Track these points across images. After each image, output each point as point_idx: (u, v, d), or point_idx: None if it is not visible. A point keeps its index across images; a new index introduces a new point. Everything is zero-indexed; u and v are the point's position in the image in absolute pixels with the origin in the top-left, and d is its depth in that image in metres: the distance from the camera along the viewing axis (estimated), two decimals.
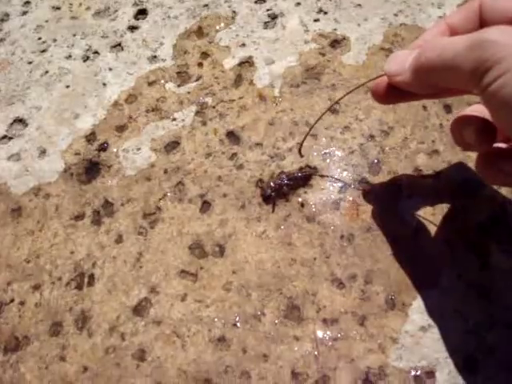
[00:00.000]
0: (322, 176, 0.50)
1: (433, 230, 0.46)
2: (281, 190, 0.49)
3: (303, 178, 0.49)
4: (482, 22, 0.37)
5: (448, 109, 0.52)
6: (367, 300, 0.44)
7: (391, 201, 0.48)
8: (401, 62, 0.37)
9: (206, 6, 0.63)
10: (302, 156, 0.49)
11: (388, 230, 0.47)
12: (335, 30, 0.59)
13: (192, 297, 0.46)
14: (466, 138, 0.37)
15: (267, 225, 0.48)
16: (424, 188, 0.48)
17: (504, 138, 0.40)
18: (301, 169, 0.50)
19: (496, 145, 0.39)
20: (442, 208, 0.47)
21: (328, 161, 0.51)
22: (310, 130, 0.48)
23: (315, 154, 0.51)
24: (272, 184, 0.49)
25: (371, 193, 0.49)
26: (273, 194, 0.49)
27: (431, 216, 0.47)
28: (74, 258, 0.49)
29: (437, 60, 0.34)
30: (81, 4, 0.67)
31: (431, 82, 0.36)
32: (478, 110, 0.39)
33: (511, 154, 0.37)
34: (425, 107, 0.52)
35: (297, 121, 0.53)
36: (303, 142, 0.48)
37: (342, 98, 0.47)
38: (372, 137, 0.51)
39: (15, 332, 0.46)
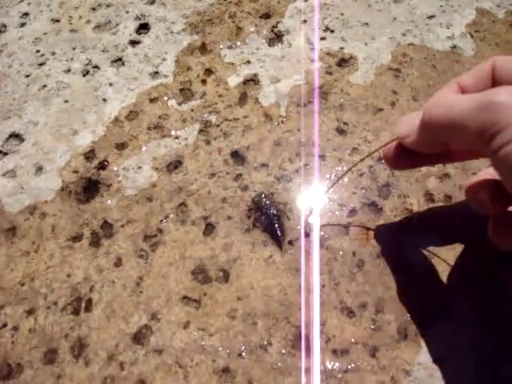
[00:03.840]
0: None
1: (446, 257, 0.44)
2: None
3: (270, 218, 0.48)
4: (495, 84, 0.37)
5: None
6: (378, 330, 0.42)
7: (402, 227, 0.46)
8: (411, 124, 0.37)
9: (210, 21, 0.62)
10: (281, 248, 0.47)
11: (399, 258, 0.45)
12: (342, 48, 0.58)
13: (195, 325, 0.44)
14: (480, 200, 0.37)
15: (273, 249, 0.46)
16: (435, 213, 0.47)
17: None
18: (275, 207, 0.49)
19: (510, 208, 0.38)
20: (455, 235, 0.45)
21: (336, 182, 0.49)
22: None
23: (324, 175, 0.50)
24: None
25: (381, 220, 0.47)
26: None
27: (444, 243, 0.45)
28: (70, 282, 0.47)
29: (443, 118, 0.33)
30: (81, 17, 0.65)
31: (438, 140, 0.35)
32: (493, 172, 0.38)
33: None
34: None
35: (304, 141, 0.52)
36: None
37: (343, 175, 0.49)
38: (381, 159, 0.50)
39: (8, 359, 0.44)
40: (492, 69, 0.37)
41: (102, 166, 0.52)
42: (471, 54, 0.57)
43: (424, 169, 0.49)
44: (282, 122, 0.53)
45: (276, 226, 0.47)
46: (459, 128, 0.32)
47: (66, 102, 0.57)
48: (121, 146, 0.53)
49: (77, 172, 0.52)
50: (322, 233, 0.47)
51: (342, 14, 0.61)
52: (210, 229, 0.48)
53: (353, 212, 0.48)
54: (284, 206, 0.48)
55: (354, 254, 0.45)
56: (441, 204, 0.47)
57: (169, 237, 0.48)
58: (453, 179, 0.48)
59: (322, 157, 0.50)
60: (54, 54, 0.62)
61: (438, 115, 0.33)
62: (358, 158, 0.50)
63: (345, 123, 0.53)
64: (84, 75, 0.59)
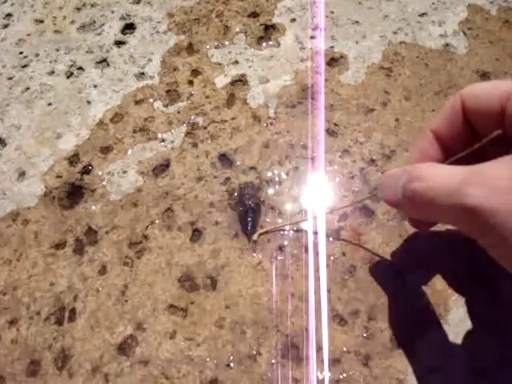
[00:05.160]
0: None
1: (440, 261, 0.43)
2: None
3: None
4: (467, 120, 0.36)
5: None
6: (371, 338, 0.41)
7: (395, 229, 0.45)
8: (394, 189, 0.35)
9: (197, 20, 0.61)
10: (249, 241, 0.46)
11: (391, 262, 0.44)
12: (332, 47, 0.57)
13: (182, 334, 0.42)
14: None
15: (263, 255, 0.45)
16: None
17: None
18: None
19: None
20: (448, 240, 0.44)
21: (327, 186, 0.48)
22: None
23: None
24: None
25: (373, 224, 0.46)
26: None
27: (438, 246, 0.44)
28: (54, 291, 0.45)
29: (422, 205, 0.32)
30: (65, 17, 0.63)
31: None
32: None
33: None
34: None
35: (293, 143, 0.50)
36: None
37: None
38: (373, 161, 0.49)
39: None
40: (461, 105, 0.35)
41: (86, 170, 0.51)
42: (464, 52, 0.56)
43: None
44: (271, 124, 0.52)
45: (249, 219, 0.45)
46: (439, 217, 0.34)
47: (50, 104, 0.56)
48: (105, 150, 0.52)
49: (60, 177, 0.51)
50: (313, 239, 0.45)
51: (332, 12, 0.60)
52: (197, 235, 0.47)
53: (344, 216, 0.46)
54: (272, 210, 0.47)
55: (345, 259, 0.44)
56: None
57: (155, 243, 0.46)
58: None
59: (312, 159, 0.49)
60: (37, 55, 0.60)
61: (422, 202, 0.32)
62: (349, 159, 0.49)
63: (335, 124, 0.51)
64: (68, 77, 0.58)
